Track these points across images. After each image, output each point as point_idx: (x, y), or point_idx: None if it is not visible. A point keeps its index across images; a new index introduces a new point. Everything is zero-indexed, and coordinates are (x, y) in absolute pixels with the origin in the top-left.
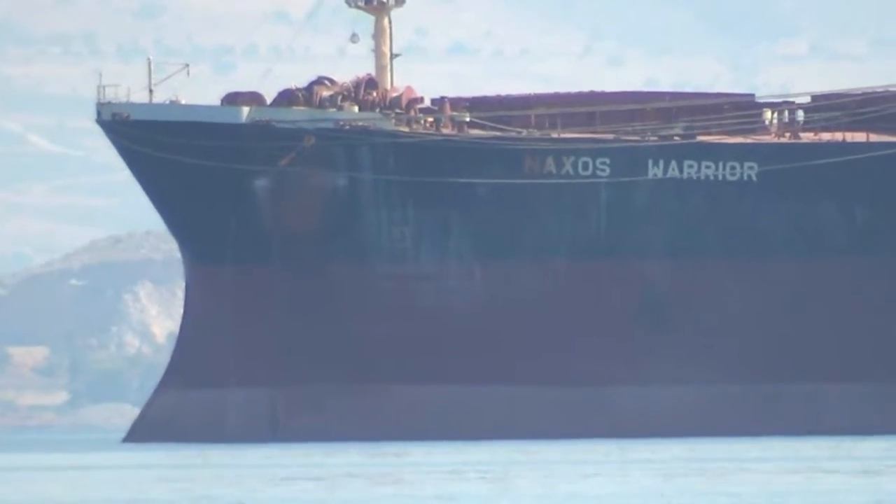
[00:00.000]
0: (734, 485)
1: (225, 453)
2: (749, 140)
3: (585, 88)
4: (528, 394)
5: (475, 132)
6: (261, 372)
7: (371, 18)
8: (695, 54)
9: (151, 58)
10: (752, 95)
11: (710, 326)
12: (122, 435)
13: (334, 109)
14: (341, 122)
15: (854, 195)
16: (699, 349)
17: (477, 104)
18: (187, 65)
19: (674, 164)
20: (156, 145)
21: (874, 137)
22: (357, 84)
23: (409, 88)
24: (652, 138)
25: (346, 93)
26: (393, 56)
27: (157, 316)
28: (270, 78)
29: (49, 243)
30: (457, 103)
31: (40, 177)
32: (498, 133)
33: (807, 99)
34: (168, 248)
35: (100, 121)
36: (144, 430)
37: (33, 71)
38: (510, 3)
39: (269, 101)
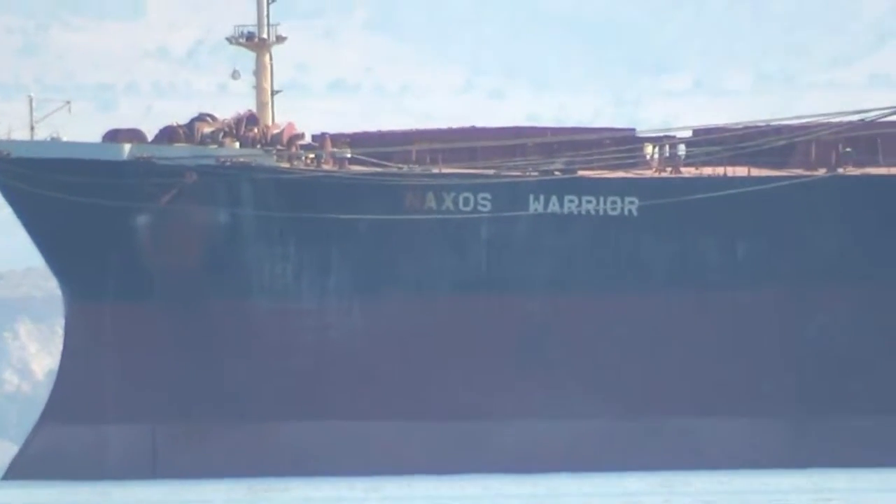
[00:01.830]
0: None
1: (103, 491)
2: (630, 175)
3: (466, 124)
4: (408, 428)
5: (356, 168)
6: (141, 408)
7: (252, 55)
8: (576, 89)
9: (33, 95)
10: (634, 130)
11: (589, 361)
12: (1, 472)
13: (215, 146)
14: (222, 159)
15: (735, 230)
16: (579, 384)
17: (358, 140)
18: (69, 102)
19: (555, 199)
20: (36, 183)
21: (755, 172)
22: (238, 120)
23: (290, 125)
24: (533, 173)
25: (227, 129)
26: (274, 92)
27: (36, 353)
28: (152, 115)
29: None
30: (338, 139)
31: None
32: (379, 169)
33: (688, 133)
34: (48, 285)
35: None
36: (24, 467)
37: None
38: (390, 40)
39: (150, 138)
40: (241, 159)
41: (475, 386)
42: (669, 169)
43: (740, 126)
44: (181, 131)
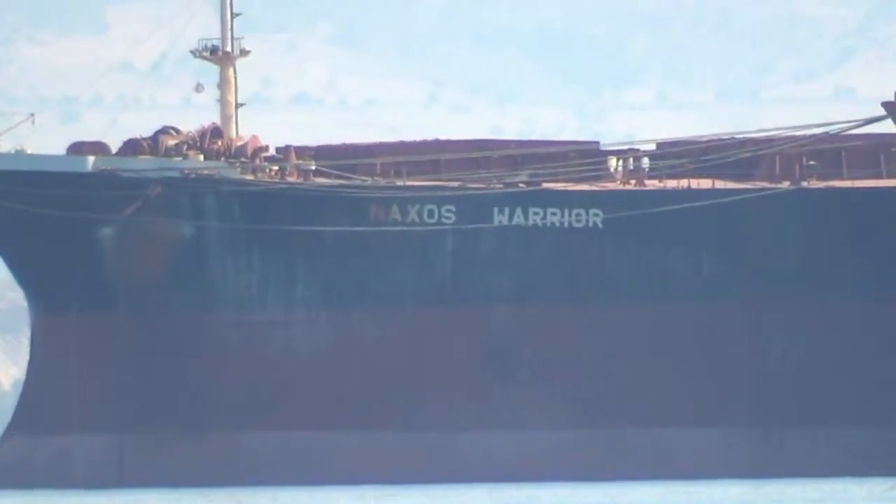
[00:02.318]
0: None
1: (69, 501)
2: (594, 187)
3: (430, 137)
4: (373, 439)
5: (320, 180)
6: (107, 419)
7: (216, 69)
8: (540, 102)
9: None
10: (598, 143)
11: (555, 373)
12: None
13: (180, 158)
14: (187, 171)
15: (699, 242)
16: (544, 395)
17: (322, 153)
18: (32, 114)
19: (519, 211)
20: (1, 195)
21: (719, 184)
22: (202, 133)
23: (254, 137)
24: (497, 186)
25: (191, 142)
26: (238, 105)
27: (2, 363)
28: (116, 127)
29: None
30: (302, 152)
31: None
32: (343, 181)
33: (652, 146)
34: (13, 296)
35: None
36: None
37: None
38: (353, 54)
39: (114, 150)
40: (206, 172)
41: (440, 397)
42: (633, 181)
43: (704, 139)
44: (145, 144)
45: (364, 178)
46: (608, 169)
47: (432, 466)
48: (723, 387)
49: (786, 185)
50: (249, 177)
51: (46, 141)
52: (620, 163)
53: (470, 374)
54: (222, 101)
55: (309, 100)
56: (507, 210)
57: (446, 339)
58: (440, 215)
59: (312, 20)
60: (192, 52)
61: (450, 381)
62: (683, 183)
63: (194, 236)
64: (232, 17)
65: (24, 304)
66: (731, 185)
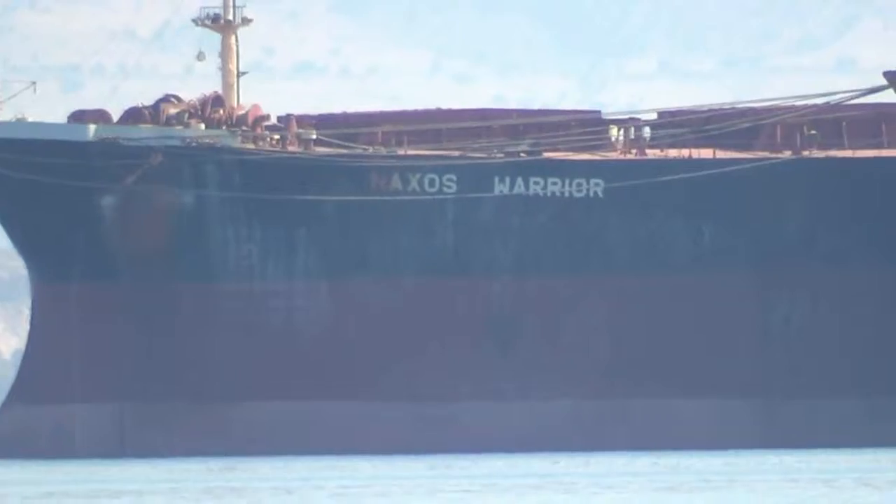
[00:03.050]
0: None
1: (70, 470)
2: (595, 157)
3: (432, 106)
4: (376, 410)
5: (321, 150)
6: (108, 388)
7: (218, 37)
8: (542, 71)
9: None
10: (599, 112)
11: (556, 343)
12: None
13: (181, 127)
14: (188, 140)
15: (700, 212)
16: (546, 365)
17: (323, 122)
18: (34, 83)
19: (520, 180)
20: (2, 163)
21: (720, 154)
22: (204, 102)
23: (255, 106)
24: (498, 155)
25: (192, 110)
26: (240, 74)
27: (2, 333)
28: (117, 96)
29: None
30: (303, 121)
31: None
32: (344, 150)
33: (653, 116)
34: (14, 265)
35: None
36: None
37: None
38: (357, 22)
39: (115, 118)
40: (207, 140)
41: (442, 367)
42: (634, 151)
43: (705, 108)
44: (146, 112)
45: (365, 147)
46: (609, 138)
47: (433, 437)
48: (727, 356)
49: (787, 154)
50: (250, 146)
51: (48, 109)
52: (621, 132)
53: (471, 343)
54: (224, 70)
55: (311, 68)
56: (507, 179)
57: (447, 308)
58: (441, 184)
59: None
60: (193, 20)
61: (451, 350)
62: (684, 152)
63: (194, 205)
64: None
65: (25, 273)
66: (731, 154)
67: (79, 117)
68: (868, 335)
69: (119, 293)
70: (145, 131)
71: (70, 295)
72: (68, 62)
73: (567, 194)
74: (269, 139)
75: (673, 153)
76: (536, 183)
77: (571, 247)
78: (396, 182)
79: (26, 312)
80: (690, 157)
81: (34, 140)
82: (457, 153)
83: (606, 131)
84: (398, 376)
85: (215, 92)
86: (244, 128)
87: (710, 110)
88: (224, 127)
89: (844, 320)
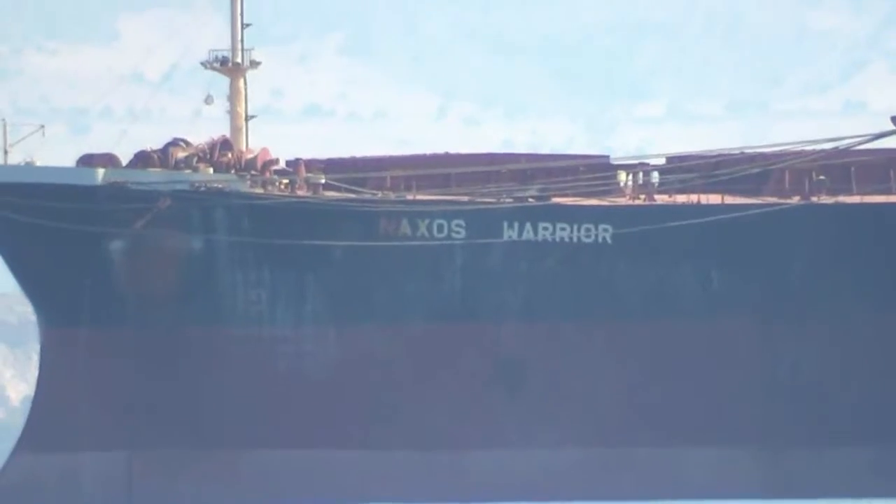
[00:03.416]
0: None
1: None
2: (604, 202)
3: (441, 150)
4: (383, 458)
5: (330, 194)
6: (116, 436)
7: (226, 80)
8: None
9: (6, 119)
10: (608, 157)
11: (565, 390)
12: None
13: (189, 171)
14: (196, 184)
15: (709, 257)
16: (554, 412)
17: (332, 166)
18: (42, 126)
19: (529, 226)
20: (11, 207)
21: (729, 199)
22: (212, 145)
23: (264, 150)
24: (507, 200)
25: (201, 154)
26: (248, 117)
27: (11, 379)
28: (126, 139)
29: None
30: (312, 165)
31: None
32: (353, 195)
33: (662, 161)
34: (23, 310)
35: None
36: (1, 496)
37: None
38: (365, 66)
39: (124, 162)
40: (216, 185)
41: (450, 414)
42: (643, 196)
43: (714, 153)
44: (155, 156)
45: (374, 191)
46: (618, 183)
47: (441, 485)
48: (734, 403)
49: (795, 200)
50: (259, 190)
51: (57, 153)
52: (630, 177)
53: (479, 390)
54: (232, 113)
55: (320, 111)
56: (516, 225)
57: (456, 355)
58: (450, 230)
59: (323, 31)
60: (202, 63)
61: (459, 397)
62: (693, 198)
63: (203, 250)
64: (242, 28)
65: (34, 318)
66: (740, 200)
67: (87, 161)
68: (875, 384)
69: (127, 338)
70: (154, 175)
71: (78, 340)
72: (77, 105)
73: (576, 240)
74: (278, 183)
75: (682, 198)
76: (545, 228)
77: (580, 292)
78: (405, 227)
79: (35, 358)
80: (699, 202)
81: (42, 184)
82: (465, 198)
83: (615, 176)
84: (406, 423)
85: (224, 135)
86: (253, 172)
87: (718, 155)
88: (233, 171)
89: (852, 368)
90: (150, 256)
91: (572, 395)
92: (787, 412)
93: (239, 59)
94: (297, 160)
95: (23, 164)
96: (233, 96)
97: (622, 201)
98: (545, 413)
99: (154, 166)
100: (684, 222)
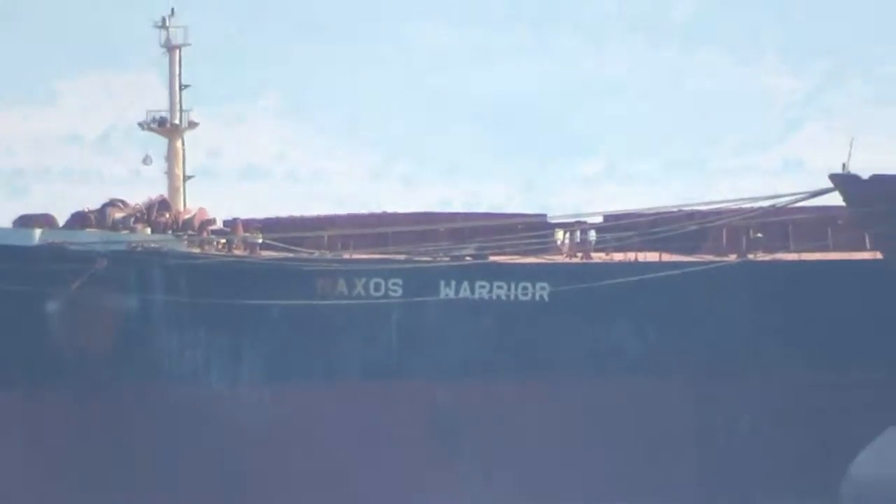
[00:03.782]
0: None
1: None
2: (541, 260)
3: (378, 209)
4: None
5: (267, 254)
6: (52, 495)
7: (164, 140)
8: (488, 174)
9: None
10: (545, 215)
11: (501, 448)
12: None
13: (127, 231)
14: (133, 244)
15: (646, 315)
16: (490, 471)
17: (269, 226)
18: None
19: (466, 284)
20: None
21: (666, 257)
22: (149, 206)
23: (201, 210)
24: (444, 259)
25: (138, 215)
26: (186, 178)
27: None
28: (63, 200)
29: None
30: (249, 225)
31: None
32: (290, 254)
33: (599, 219)
34: None
35: None
36: None
37: None
38: (302, 126)
39: (61, 223)
40: (153, 245)
41: (387, 474)
42: (580, 254)
43: (652, 211)
44: (92, 217)
45: (311, 251)
46: (555, 242)
47: None
48: (669, 463)
49: (732, 258)
50: (196, 250)
51: None
52: (567, 235)
53: (415, 449)
54: (170, 174)
55: (257, 172)
56: (453, 283)
57: (392, 414)
58: (387, 288)
59: (261, 91)
60: (139, 124)
61: (395, 456)
62: (630, 256)
63: (140, 310)
64: (180, 89)
65: None
66: (678, 257)
67: (24, 222)
68: (808, 442)
69: (63, 398)
70: (91, 236)
71: (14, 401)
72: (14, 166)
73: (513, 297)
74: (215, 243)
75: (619, 256)
76: (482, 286)
77: (516, 350)
78: (342, 286)
79: None
80: (636, 260)
81: None
82: (402, 257)
83: (552, 234)
84: (341, 482)
85: (161, 196)
86: (190, 232)
87: (656, 213)
88: (170, 231)
89: (785, 427)
90: (86, 316)
91: (509, 454)
92: (722, 470)
93: (177, 120)
94: (235, 220)
95: None
96: (170, 157)
97: (559, 259)
98: (481, 472)
99: (91, 227)
100: (621, 280)
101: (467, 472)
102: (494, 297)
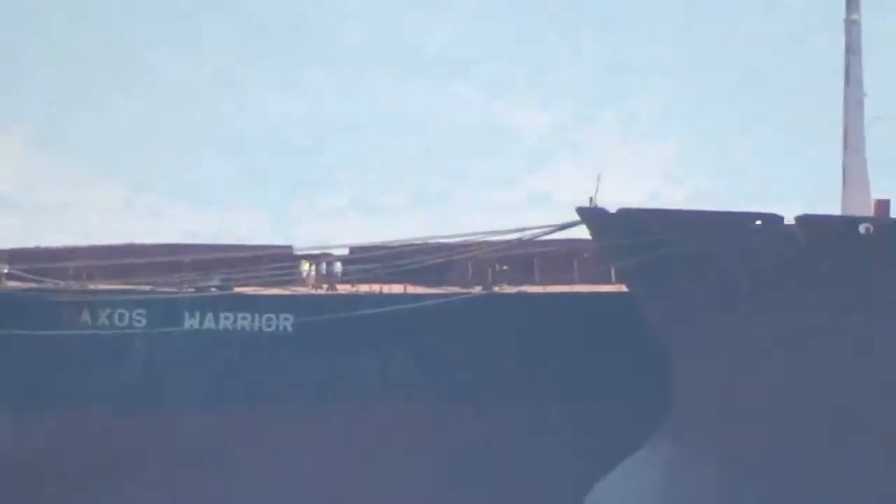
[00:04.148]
0: None
1: None
2: (286, 291)
3: (126, 241)
4: None
5: (13, 284)
6: None
7: None
8: (234, 206)
9: None
10: (291, 247)
11: (246, 477)
12: None
13: None
14: None
15: (389, 347)
16: (237, 499)
17: (16, 256)
18: None
19: (210, 315)
20: None
21: (411, 289)
22: None
23: None
24: (189, 290)
25: None
26: None
27: None
28: None
29: None
30: None
31: None
32: (35, 284)
33: (345, 251)
34: None
35: None
36: None
37: None
38: (53, 158)
39: None
40: None
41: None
42: (326, 286)
43: (398, 244)
44: None
45: (57, 281)
46: (301, 273)
47: None
48: (409, 489)
49: (477, 290)
50: None
51: None
52: (313, 267)
53: (163, 479)
54: None
55: (5, 203)
56: (198, 314)
57: (138, 445)
58: (131, 319)
59: (9, 122)
60: None
61: (142, 486)
62: (375, 287)
63: None
64: None
65: None
66: (423, 289)
67: None
68: (553, 470)
69: None
70: None
71: None
72: None
73: (257, 328)
74: None
75: (364, 288)
76: (227, 317)
77: (260, 381)
78: (86, 316)
79: None
80: (381, 292)
81: None
82: (147, 288)
83: (298, 266)
84: None
85: None
86: None
87: (401, 245)
88: None
89: (533, 456)
90: None
91: (252, 484)
92: (457, 498)
93: None
94: None
95: None
96: None
97: (304, 291)
98: (228, 500)
99: None
100: (365, 311)
101: (217, 500)
102: (239, 327)
